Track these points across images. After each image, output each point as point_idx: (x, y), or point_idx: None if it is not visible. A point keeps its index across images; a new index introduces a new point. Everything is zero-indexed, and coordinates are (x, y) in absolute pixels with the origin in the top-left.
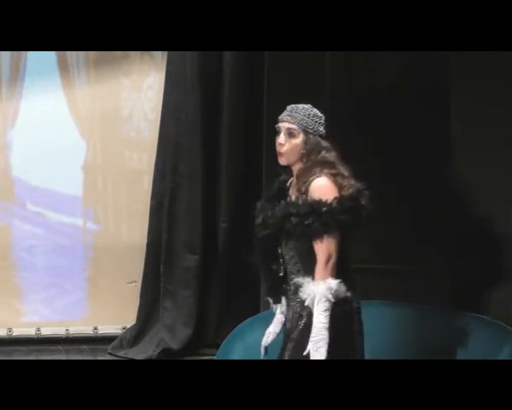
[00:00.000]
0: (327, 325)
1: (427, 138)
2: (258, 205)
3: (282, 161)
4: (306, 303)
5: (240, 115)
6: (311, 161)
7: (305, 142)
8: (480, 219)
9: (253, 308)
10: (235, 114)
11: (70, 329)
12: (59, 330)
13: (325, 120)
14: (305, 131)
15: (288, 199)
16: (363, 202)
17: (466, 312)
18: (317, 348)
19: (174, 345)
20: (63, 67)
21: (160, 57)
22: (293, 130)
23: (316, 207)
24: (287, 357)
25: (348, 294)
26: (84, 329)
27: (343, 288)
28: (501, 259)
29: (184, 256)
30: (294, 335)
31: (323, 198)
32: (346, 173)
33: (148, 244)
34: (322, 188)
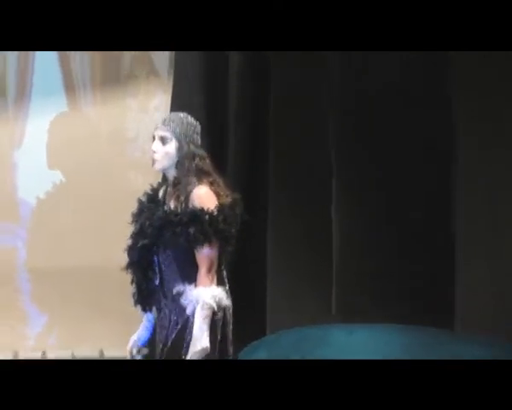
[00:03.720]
0: (207, 332)
1: None
2: (134, 215)
3: (156, 168)
4: (188, 311)
5: (245, 142)
6: (186, 169)
7: (178, 149)
8: None
9: (259, 331)
10: (240, 138)
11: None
12: (64, 354)
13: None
14: (178, 139)
15: (166, 207)
16: (238, 212)
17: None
18: (198, 356)
19: None
20: (69, 88)
21: (167, 78)
22: (166, 137)
23: (198, 215)
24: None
25: (227, 302)
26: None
27: (224, 295)
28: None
29: None
30: (170, 340)
31: (205, 207)
32: (221, 182)
33: None
34: (204, 197)
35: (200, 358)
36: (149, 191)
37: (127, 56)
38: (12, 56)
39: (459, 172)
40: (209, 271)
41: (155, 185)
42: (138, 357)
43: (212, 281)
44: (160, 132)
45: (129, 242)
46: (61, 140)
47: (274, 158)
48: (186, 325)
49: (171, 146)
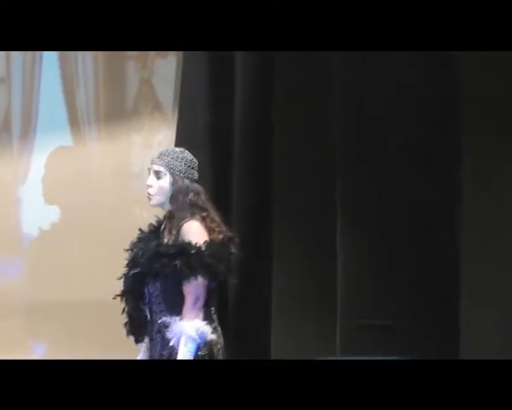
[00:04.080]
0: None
1: None
2: (132, 244)
3: (152, 203)
4: (171, 343)
5: (251, 172)
6: (179, 203)
7: (172, 183)
8: None
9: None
10: (245, 172)
11: None
12: None
13: None
14: (172, 173)
15: (161, 240)
16: (232, 250)
17: None
18: None
19: None
20: (74, 123)
21: (171, 114)
22: (160, 171)
23: (184, 248)
24: None
25: (213, 336)
26: None
27: (209, 330)
28: None
29: None
30: None
31: (193, 241)
32: (217, 218)
33: None
34: (193, 231)
35: None
36: (154, 223)
37: (131, 92)
38: (17, 91)
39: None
40: (194, 304)
41: (161, 218)
42: None
43: (196, 315)
44: (154, 167)
45: (124, 270)
46: (66, 175)
47: (279, 194)
48: (170, 358)
49: (166, 181)
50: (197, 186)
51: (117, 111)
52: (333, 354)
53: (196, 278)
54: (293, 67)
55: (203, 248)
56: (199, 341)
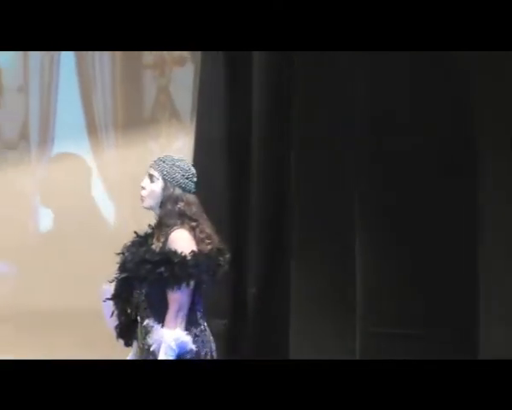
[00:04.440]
0: None
1: None
2: (124, 247)
3: (143, 205)
4: (152, 349)
5: (270, 180)
6: (168, 211)
7: (163, 189)
8: None
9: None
10: (263, 178)
11: None
12: None
13: None
14: (165, 180)
15: (150, 246)
16: (220, 261)
17: None
18: None
19: None
20: (91, 131)
21: (189, 121)
22: (154, 175)
23: (169, 257)
24: None
25: (193, 347)
26: None
27: (189, 340)
28: None
29: (213, 321)
30: None
31: (179, 250)
32: (207, 230)
33: None
34: (179, 239)
35: None
36: (149, 229)
37: (149, 100)
38: (35, 99)
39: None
40: (177, 313)
41: (151, 225)
42: None
43: (178, 324)
44: (150, 170)
45: (115, 273)
46: (83, 182)
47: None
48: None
49: (157, 185)
50: (189, 196)
51: (135, 119)
52: (351, 355)
53: (180, 287)
54: (312, 67)
55: (188, 258)
56: (177, 351)
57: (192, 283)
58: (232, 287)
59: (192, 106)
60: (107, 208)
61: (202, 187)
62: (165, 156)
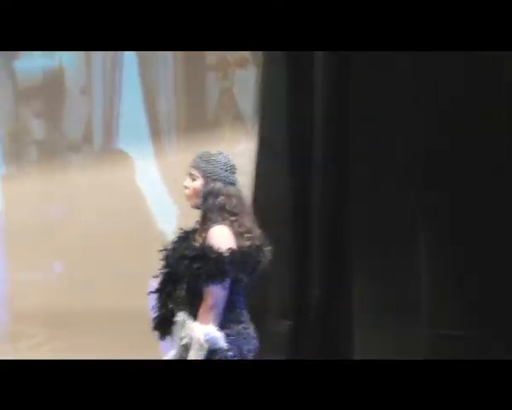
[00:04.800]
0: None
1: None
2: (172, 240)
3: (190, 204)
4: (183, 342)
5: (332, 183)
6: (209, 205)
7: (204, 185)
8: None
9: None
10: (326, 183)
11: None
12: None
13: None
14: (204, 176)
15: (190, 242)
16: (259, 258)
17: None
18: None
19: None
20: (154, 133)
21: (252, 123)
22: (194, 174)
23: (205, 253)
24: None
25: (225, 345)
26: None
27: (220, 336)
28: None
29: (277, 322)
30: None
31: (215, 246)
32: (247, 223)
33: None
34: (219, 236)
35: None
36: (196, 225)
37: (212, 102)
38: (98, 101)
39: None
40: (210, 309)
41: (197, 221)
42: None
43: (211, 320)
44: (190, 169)
45: (159, 268)
46: (146, 185)
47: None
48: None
49: (198, 183)
50: (230, 189)
51: (197, 121)
52: (415, 355)
53: (214, 284)
54: (373, 68)
55: (224, 255)
56: (206, 346)
57: (228, 280)
58: (296, 288)
59: (255, 108)
60: (170, 211)
61: (264, 188)
62: (203, 153)
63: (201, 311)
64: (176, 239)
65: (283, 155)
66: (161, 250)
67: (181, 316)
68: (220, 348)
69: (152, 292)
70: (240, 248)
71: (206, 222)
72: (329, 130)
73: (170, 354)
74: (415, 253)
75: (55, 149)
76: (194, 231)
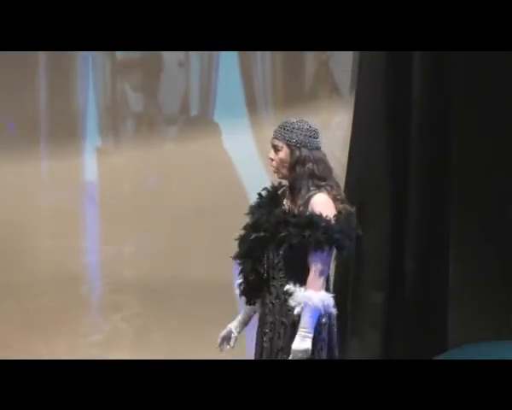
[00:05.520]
0: (312, 335)
1: None
2: (252, 208)
3: (277, 176)
4: (296, 311)
5: (429, 157)
6: (298, 174)
7: (290, 155)
8: None
9: (439, 348)
10: (424, 156)
11: None
12: None
13: None
14: (288, 145)
15: (284, 207)
16: (353, 224)
17: None
18: (300, 356)
19: None
20: (251, 107)
21: (349, 95)
22: (277, 145)
23: (315, 221)
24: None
25: (334, 310)
26: None
27: (332, 303)
28: None
29: (371, 294)
30: (280, 344)
31: (323, 214)
32: (336, 187)
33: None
34: (324, 204)
35: (301, 358)
36: (269, 188)
37: (309, 74)
38: (195, 74)
39: None
40: (320, 276)
41: (276, 184)
42: (227, 347)
43: (322, 286)
44: (273, 141)
45: (241, 232)
46: (240, 158)
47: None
48: (293, 327)
49: (284, 153)
50: (316, 153)
51: (294, 94)
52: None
53: (323, 251)
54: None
55: (332, 222)
56: (323, 312)
57: (334, 247)
58: (390, 259)
59: (351, 81)
60: (264, 185)
61: (361, 161)
62: (284, 123)
63: (312, 278)
64: (257, 205)
65: (380, 126)
66: (247, 214)
67: (287, 287)
68: (330, 313)
69: (238, 256)
70: (340, 213)
71: (294, 190)
72: (427, 105)
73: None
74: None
75: (152, 122)
76: (276, 197)
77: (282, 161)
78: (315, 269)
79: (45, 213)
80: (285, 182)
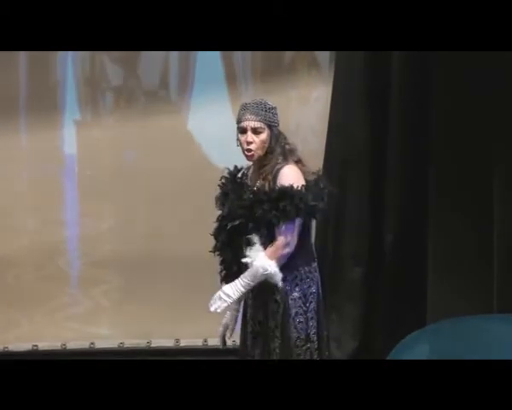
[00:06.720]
0: (241, 291)
1: None
2: (220, 199)
3: (252, 159)
4: (245, 261)
5: (408, 130)
6: (277, 152)
7: (270, 136)
8: None
9: (419, 321)
10: (402, 129)
11: None
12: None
13: None
14: (269, 126)
15: (252, 188)
16: (322, 186)
17: None
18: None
19: (341, 357)
20: (230, 79)
21: (328, 70)
22: (259, 127)
23: (287, 192)
24: (276, 346)
25: (280, 283)
26: None
27: (277, 274)
28: None
29: (350, 268)
30: (273, 324)
31: (294, 184)
32: (304, 160)
33: None
34: (292, 175)
35: (218, 298)
36: (227, 175)
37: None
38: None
39: None
40: (281, 248)
41: (232, 169)
42: (228, 342)
43: (276, 259)
44: (252, 124)
45: (215, 225)
46: (221, 132)
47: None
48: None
49: (265, 134)
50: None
51: (274, 67)
52: (490, 311)
53: (294, 222)
54: None
55: (304, 190)
56: (261, 278)
57: (300, 218)
58: (370, 234)
59: (331, 55)
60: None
61: (340, 135)
62: (254, 104)
63: (273, 248)
64: (222, 194)
65: (359, 100)
66: (217, 206)
67: (255, 238)
68: (276, 285)
69: (217, 248)
70: (310, 182)
71: (265, 166)
72: (408, 75)
73: None
74: (491, 213)
75: (132, 95)
76: (241, 180)
77: (262, 143)
78: (279, 240)
79: (24, 186)
80: (246, 164)
